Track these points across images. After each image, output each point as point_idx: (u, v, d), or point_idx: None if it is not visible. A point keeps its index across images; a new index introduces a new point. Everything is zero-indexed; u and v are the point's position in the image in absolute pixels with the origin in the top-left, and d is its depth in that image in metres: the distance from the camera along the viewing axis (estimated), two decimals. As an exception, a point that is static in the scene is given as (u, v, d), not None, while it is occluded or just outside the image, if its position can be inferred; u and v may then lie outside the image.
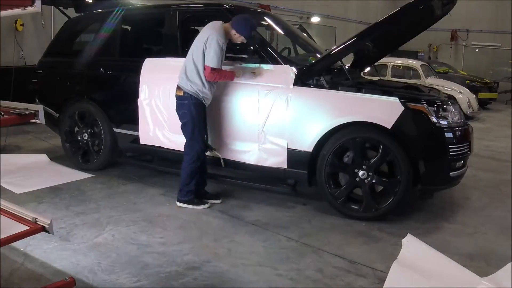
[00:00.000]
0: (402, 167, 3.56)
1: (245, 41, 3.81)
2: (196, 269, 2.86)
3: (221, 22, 3.83)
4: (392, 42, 4.59)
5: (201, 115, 3.86)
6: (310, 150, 3.80)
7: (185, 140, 3.92)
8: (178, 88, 3.85)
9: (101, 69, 4.81)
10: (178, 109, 3.89)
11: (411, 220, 3.82)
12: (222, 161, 4.10)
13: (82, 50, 5.10)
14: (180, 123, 3.91)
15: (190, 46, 4.55)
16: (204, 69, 3.71)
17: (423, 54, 18.78)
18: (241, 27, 3.74)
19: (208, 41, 3.67)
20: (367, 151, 3.73)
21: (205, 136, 3.97)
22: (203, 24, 5.66)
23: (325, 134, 3.73)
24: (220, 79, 3.82)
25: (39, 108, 2.21)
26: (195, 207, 3.90)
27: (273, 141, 3.91)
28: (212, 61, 3.66)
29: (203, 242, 3.28)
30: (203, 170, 4.03)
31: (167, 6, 4.65)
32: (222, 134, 4.14)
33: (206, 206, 3.95)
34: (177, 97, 3.86)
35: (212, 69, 3.67)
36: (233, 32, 3.75)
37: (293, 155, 3.86)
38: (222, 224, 3.63)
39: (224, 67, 3.86)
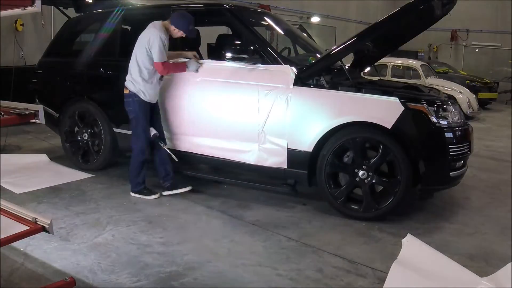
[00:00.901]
0: (402, 167, 3.56)
1: (184, 35, 4.03)
2: (196, 269, 2.86)
3: (160, 21, 4.01)
4: (392, 42, 4.59)
5: (144, 112, 4.07)
6: (310, 150, 3.79)
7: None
8: (125, 87, 4.08)
9: (101, 69, 4.81)
10: (126, 106, 4.12)
11: (411, 220, 3.82)
12: (173, 156, 4.17)
13: (82, 50, 5.10)
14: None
15: (190, 45, 4.57)
16: (155, 66, 3.93)
17: (423, 54, 18.78)
18: (179, 22, 3.97)
19: (150, 41, 3.87)
20: (367, 151, 3.73)
21: (155, 131, 4.15)
22: (203, 24, 5.68)
23: (325, 134, 3.72)
24: (172, 71, 4.11)
25: (39, 108, 2.22)
26: (145, 197, 4.11)
27: (273, 141, 3.91)
28: (159, 56, 3.87)
29: (203, 242, 3.28)
30: (164, 162, 4.19)
31: (167, 6, 4.64)
32: (222, 133, 4.13)
33: (155, 196, 4.13)
34: (124, 95, 4.09)
35: (162, 63, 3.90)
36: (172, 27, 3.97)
37: (293, 155, 3.86)
38: (222, 224, 3.63)
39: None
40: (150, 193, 4.15)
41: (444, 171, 3.70)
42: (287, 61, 4.01)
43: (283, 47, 5.24)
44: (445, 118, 3.66)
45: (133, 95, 4.00)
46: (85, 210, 3.78)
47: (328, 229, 3.59)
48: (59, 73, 5.21)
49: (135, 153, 4.13)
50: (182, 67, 4.13)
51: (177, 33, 4.00)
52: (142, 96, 4.00)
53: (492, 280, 2.76)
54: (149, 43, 3.87)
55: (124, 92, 4.08)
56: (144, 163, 4.15)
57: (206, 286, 2.68)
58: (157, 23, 3.98)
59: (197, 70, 4.12)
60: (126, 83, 4.06)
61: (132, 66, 4.02)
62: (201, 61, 4.21)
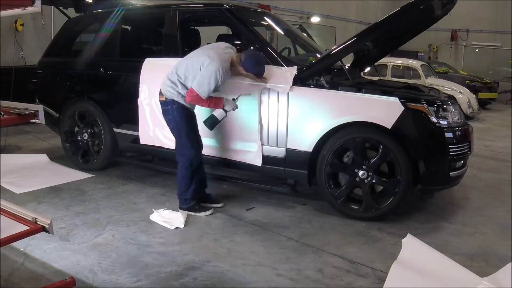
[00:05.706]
0: (402, 167, 3.56)
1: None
2: (196, 269, 2.86)
3: (231, 51, 3.68)
4: (392, 42, 4.59)
5: (187, 119, 3.70)
6: (310, 150, 3.80)
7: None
8: (160, 93, 3.70)
9: (101, 69, 4.80)
10: (164, 115, 3.78)
11: (411, 220, 3.82)
12: None
13: (82, 50, 5.10)
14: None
15: (190, 46, 4.56)
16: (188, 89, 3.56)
17: (423, 54, 18.78)
18: (250, 66, 3.60)
19: (207, 64, 3.46)
20: (367, 151, 3.73)
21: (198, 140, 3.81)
22: (203, 24, 5.67)
23: (325, 134, 3.73)
24: (200, 104, 3.64)
25: (39, 108, 2.21)
26: (197, 214, 3.75)
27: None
28: (201, 87, 3.47)
29: (203, 242, 3.28)
30: (202, 173, 3.91)
31: (167, 6, 4.64)
32: (222, 134, 4.13)
33: (208, 212, 3.79)
34: (160, 102, 3.75)
35: (197, 94, 3.49)
36: (241, 68, 3.62)
37: (293, 155, 3.86)
38: (222, 224, 3.63)
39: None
40: (203, 208, 3.80)
41: (444, 171, 3.69)
42: (287, 61, 4.01)
43: (283, 47, 5.24)
44: (445, 118, 3.66)
45: (171, 102, 3.63)
46: (85, 210, 3.79)
47: (328, 229, 3.59)
48: (59, 73, 5.21)
49: (183, 165, 3.72)
50: (218, 103, 3.65)
51: (242, 71, 3.64)
52: (181, 101, 3.63)
53: (492, 280, 2.77)
54: (204, 65, 3.46)
55: (160, 99, 3.72)
56: (194, 175, 3.76)
57: (206, 286, 2.68)
58: (228, 54, 3.60)
59: (233, 109, 3.73)
60: (162, 88, 3.66)
61: (181, 72, 3.60)
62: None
